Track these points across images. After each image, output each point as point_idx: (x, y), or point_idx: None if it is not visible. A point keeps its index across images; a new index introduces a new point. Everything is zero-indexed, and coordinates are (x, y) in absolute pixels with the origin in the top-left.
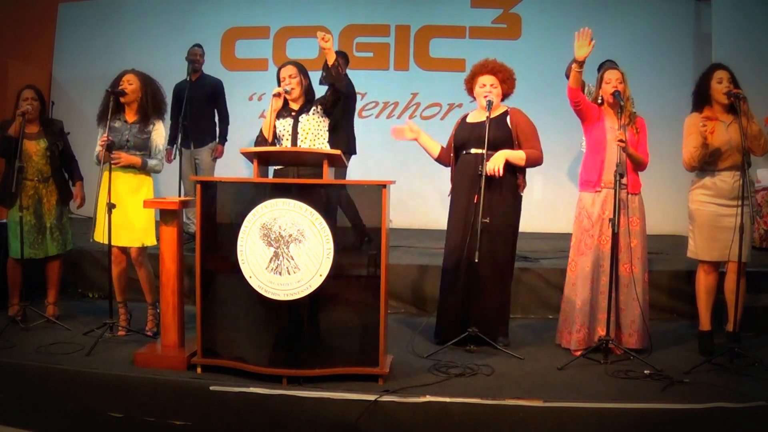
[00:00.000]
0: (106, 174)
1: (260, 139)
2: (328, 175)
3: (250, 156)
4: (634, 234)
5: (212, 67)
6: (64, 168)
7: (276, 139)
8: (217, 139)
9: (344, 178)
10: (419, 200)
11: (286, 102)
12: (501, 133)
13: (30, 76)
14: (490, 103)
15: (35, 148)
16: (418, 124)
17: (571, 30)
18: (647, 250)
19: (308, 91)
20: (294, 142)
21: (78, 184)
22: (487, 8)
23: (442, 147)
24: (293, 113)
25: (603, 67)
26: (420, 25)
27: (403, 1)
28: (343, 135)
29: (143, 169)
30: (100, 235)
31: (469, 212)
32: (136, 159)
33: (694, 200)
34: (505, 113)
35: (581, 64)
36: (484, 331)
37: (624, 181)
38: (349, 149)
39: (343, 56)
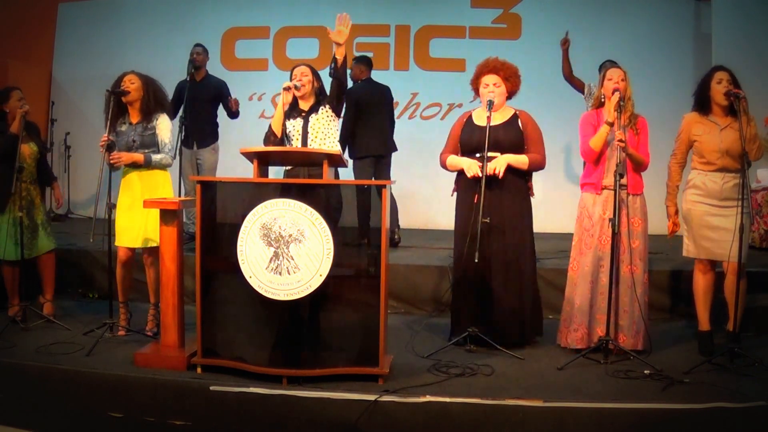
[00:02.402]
0: (123, 176)
1: (269, 135)
2: (329, 175)
3: (250, 156)
4: (635, 235)
5: (212, 67)
6: (43, 170)
7: (286, 138)
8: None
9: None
10: (419, 200)
11: (296, 102)
12: (513, 135)
13: (30, 76)
14: (490, 103)
15: (28, 151)
16: (418, 124)
17: (571, 30)
18: (648, 251)
19: (319, 93)
20: (304, 141)
21: (55, 185)
22: (487, 8)
23: (447, 154)
24: (303, 113)
25: (604, 66)
26: (420, 25)
27: (403, 1)
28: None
29: (148, 166)
30: (125, 240)
31: (473, 213)
32: (138, 156)
33: (687, 200)
34: (515, 116)
35: (612, 125)
36: (503, 333)
37: (624, 181)
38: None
39: (366, 62)
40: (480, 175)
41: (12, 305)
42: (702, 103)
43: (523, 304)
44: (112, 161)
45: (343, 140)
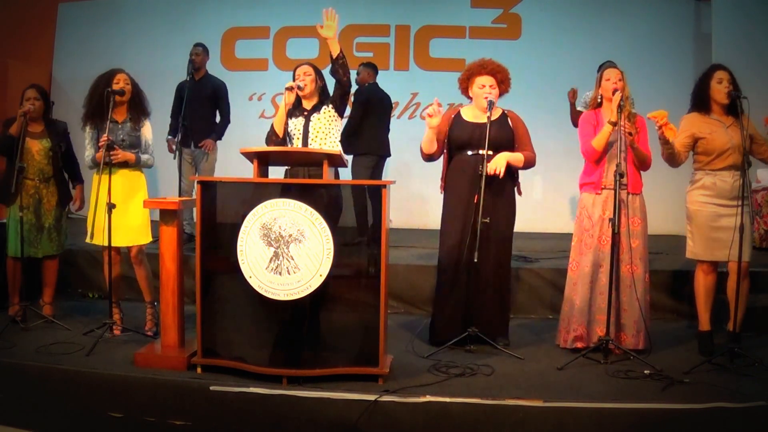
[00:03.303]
0: (104, 176)
1: (271, 135)
2: (329, 175)
3: (250, 156)
4: (635, 234)
5: (212, 67)
6: (66, 169)
7: (287, 137)
8: (214, 135)
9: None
10: (419, 200)
11: (298, 101)
12: (505, 134)
13: (30, 76)
14: (491, 104)
15: (38, 147)
16: (418, 124)
17: (571, 30)
18: (648, 251)
19: (322, 92)
20: (305, 141)
21: (78, 187)
22: (487, 8)
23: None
24: (305, 112)
25: (602, 67)
26: (420, 25)
27: (403, 1)
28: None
29: (137, 165)
30: (99, 238)
31: (469, 212)
32: (130, 155)
33: (693, 200)
34: (504, 115)
35: (615, 125)
36: (485, 330)
37: (624, 181)
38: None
39: (373, 68)
40: (431, 116)
41: (12, 304)
42: (702, 103)
43: (505, 302)
44: (111, 157)
45: (348, 136)
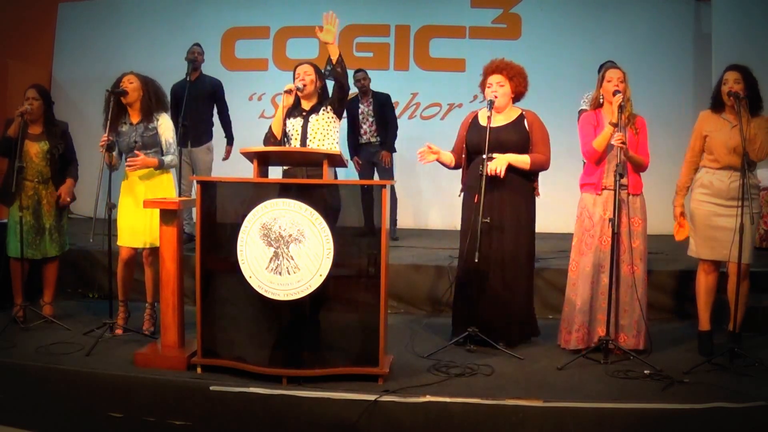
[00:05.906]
0: (125, 177)
1: (269, 136)
2: (329, 175)
3: (249, 156)
4: (635, 234)
5: (212, 68)
6: (61, 169)
7: (285, 138)
8: (225, 141)
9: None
10: (419, 200)
11: (297, 101)
12: (517, 136)
13: (30, 76)
14: (491, 103)
15: (36, 150)
16: (418, 124)
17: (571, 30)
18: (648, 251)
19: (321, 93)
20: (303, 141)
21: (69, 181)
22: (487, 8)
23: (453, 153)
24: (304, 113)
25: (604, 67)
26: (420, 25)
27: (403, 1)
28: None
29: (161, 168)
30: (128, 239)
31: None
32: (152, 161)
33: (694, 199)
34: (521, 116)
35: (616, 126)
36: (501, 333)
37: (624, 181)
38: None
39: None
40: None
41: (17, 304)
42: (716, 102)
43: (519, 304)
44: (128, 165)
45: None
